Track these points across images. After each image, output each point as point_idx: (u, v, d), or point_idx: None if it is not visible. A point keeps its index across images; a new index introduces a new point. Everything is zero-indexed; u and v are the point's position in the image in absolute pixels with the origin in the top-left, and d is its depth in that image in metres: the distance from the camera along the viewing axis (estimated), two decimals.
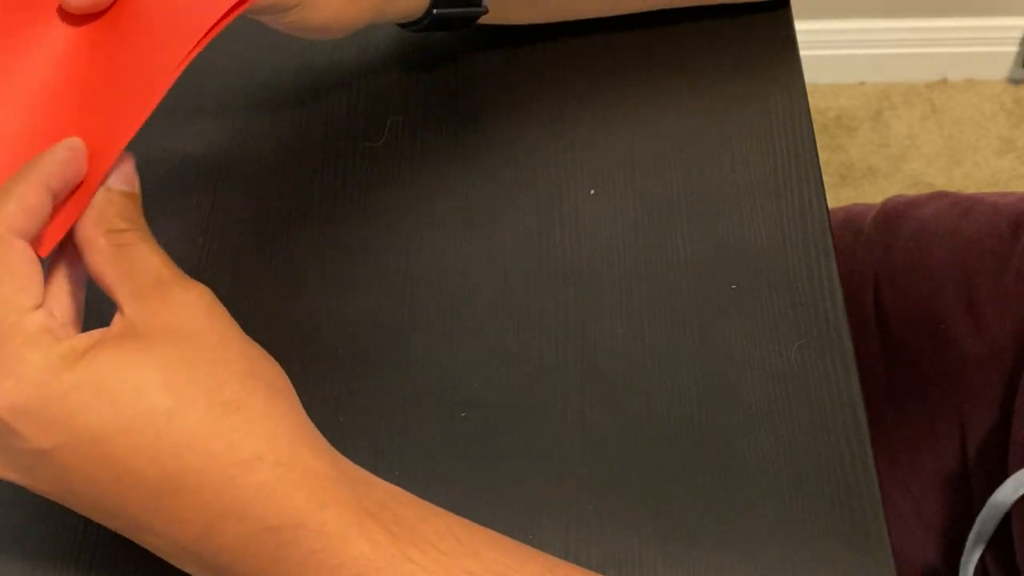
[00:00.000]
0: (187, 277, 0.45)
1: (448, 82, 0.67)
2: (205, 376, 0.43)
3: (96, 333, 0.43)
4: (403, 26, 0.63)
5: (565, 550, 0.53)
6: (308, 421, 0.45)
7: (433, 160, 0.65)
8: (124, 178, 0.46)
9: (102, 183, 0.45)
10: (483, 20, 0.63)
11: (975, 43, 1.71)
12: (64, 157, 0.44)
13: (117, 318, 0.44)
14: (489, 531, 0.46)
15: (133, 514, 0.43)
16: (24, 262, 0.43)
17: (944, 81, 1.75)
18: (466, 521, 0.45)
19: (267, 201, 0.63)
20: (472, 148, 0.65)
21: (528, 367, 0.58)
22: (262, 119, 0.66)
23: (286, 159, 0.65)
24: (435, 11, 0.61)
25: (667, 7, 0.68)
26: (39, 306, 0.43)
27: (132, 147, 0.66)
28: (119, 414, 0.42)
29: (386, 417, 0.56)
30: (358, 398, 0.57)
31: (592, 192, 0.63)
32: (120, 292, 0.44)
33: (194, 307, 0.44)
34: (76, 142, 0.45)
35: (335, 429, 0.56)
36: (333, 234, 0.62)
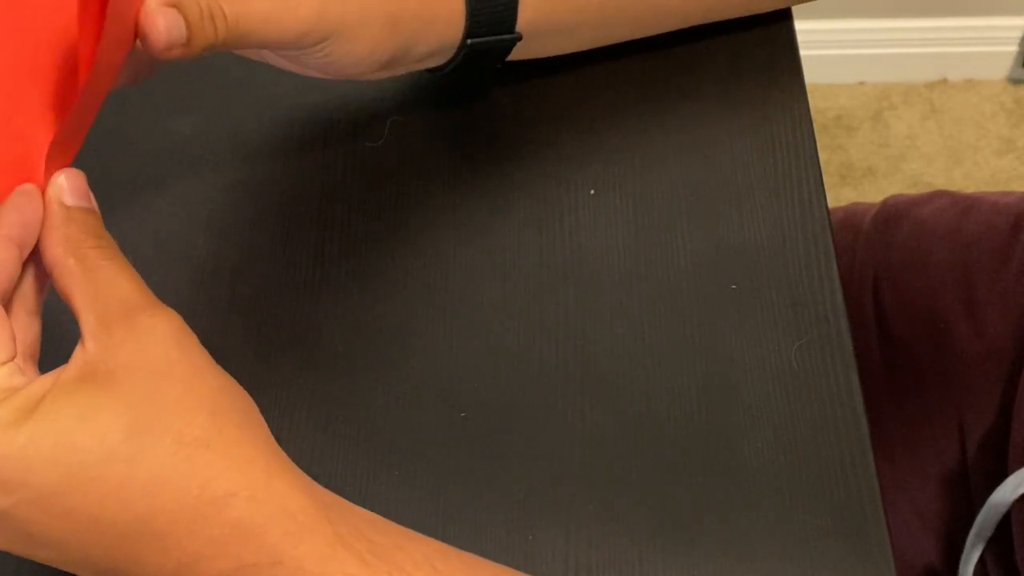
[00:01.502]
0: (157, 302, 0.44)
1: (448, 82, 0.67)
2: (173, 413, 0.42)
3: (52, 376, 0.42)
4: (432, 71, 0.61)
5: (565, 551, 0.53)
6: (279, 449, 0.44)
7: (433, 160, 0.65)
8: (79, 194, 0.45)
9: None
10: (514, 56, 0.62)
11: (975, 43, 1.71)
12: (18, 204, 0.43)
13: (78, 352, 0.42)
14: (468, 557, 0.45)
15: (99, 563, 0.42)
16: None
17: (944, 81, 1.75)
18: (445, 547, 0.45)
19: (267, 201, 0.63)
20: (472, 148, 0.65)
21: (528, 367, 0.58)
22: (262, 119, 0.66)
23: (286, 159, 0.65)
24: (469, 41, 0.58)
25: (689, 26, 0.68)
26: (5, 362, 0.42)
27: (135, 146, 0.66)
28: (81, 464, 0.40)
29: (386, 417, 0.56)
30: (358, 398, 0.57)
31: (592, 192, 0.63)
32: (85, 319, 0.43)
33: (163, 337, 0.43)
34: (28, 187, 0.44)
35: (335, 429, 0.56)
36: (333, 234, 0.62)
